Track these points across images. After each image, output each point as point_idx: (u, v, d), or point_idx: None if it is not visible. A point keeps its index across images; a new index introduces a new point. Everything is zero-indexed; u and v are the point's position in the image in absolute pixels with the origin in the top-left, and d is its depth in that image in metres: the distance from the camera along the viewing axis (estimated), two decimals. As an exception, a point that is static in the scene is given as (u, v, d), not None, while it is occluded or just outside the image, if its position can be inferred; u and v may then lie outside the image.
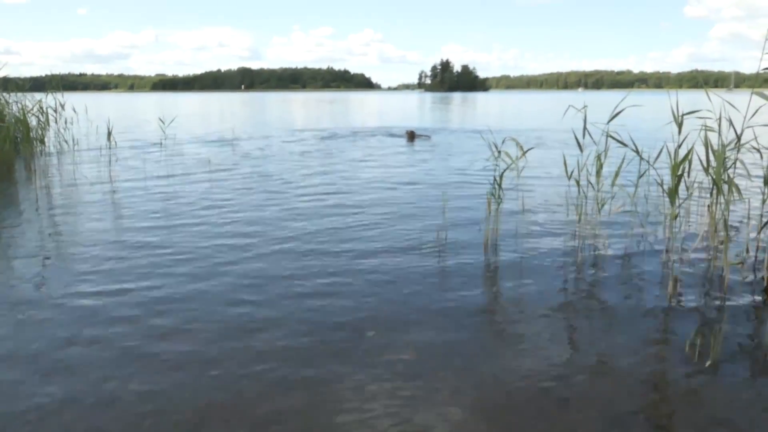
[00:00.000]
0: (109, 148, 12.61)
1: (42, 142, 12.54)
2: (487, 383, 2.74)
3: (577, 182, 5.02)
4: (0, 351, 3.05)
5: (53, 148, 12.53)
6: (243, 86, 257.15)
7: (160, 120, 13.28)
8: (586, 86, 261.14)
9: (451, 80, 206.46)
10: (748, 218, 5.19)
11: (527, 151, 5.21)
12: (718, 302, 3.74)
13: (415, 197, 7.10)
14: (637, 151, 4.48)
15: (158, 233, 5.36)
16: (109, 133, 12.91)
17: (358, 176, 8.87)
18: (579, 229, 5.22)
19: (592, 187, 4.97)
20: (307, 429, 2.40)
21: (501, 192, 5.13)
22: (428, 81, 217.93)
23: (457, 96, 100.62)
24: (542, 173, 8.67)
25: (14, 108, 11.75)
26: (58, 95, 12.69)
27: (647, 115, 22.40)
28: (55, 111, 12.67)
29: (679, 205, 4.33)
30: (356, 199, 6.95)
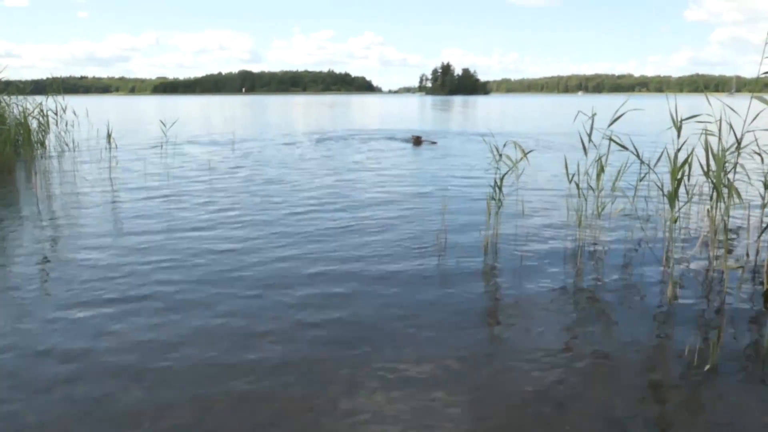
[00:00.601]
0: (110, 150, 12.62)
1: (43, 145, 12.56)
2: (486, 386, 2.74)
3: (577, 185, 5.02)
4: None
5: (54, 151, 12.54)
6: (244, 89, 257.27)
7: (161, 123, 13.28)
8: (586, 90, 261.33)
9: (452, 83, 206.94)
10: (748, 222, 5.18)
11: (528, 153, 5.20)
12: (717, 306, 3.74)
13: (417, 200, 7.09)
14: (637, 155, 4.48)
15: (158, 237, 5.35)
16: (110, 136, 12.93)
17: (361, 179, 8.87)
18: (579, 232, 5.22)
19: (593, 190, 4.97)
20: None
21: (501, 195, 5.13)
22: (429, 84, 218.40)
23: (458, 99, 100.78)
24: (543, 176, 8.66)
25: (15, 111, 11.77)
26: (59, 98, 12.71)
27: (647, 118, 22.38)
28: (56, 114, 12.69)
29: (679, 209, 4.33)
30: (358, 201, 6.95)
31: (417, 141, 14.52)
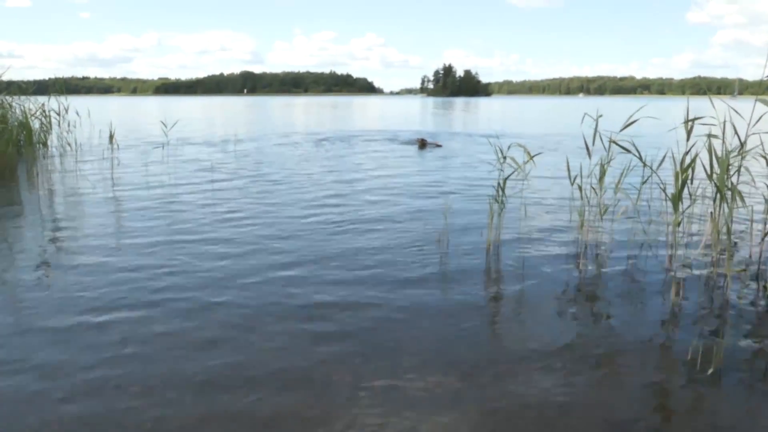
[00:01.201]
0: (112, 151, 12.63)
1: (45, 145, 12.58)
2: (488, 389, 2.72)
3: (580, 188, 5.01)
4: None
5: (56, 151, 12.56)
6: (245, 90, 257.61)
7: (163, 123, 13.29)
8: (587, 92, 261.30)
9: (454, 85, 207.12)
10: (752, 226, 5.16)
11: (534, 156, 5.18)
12: (720, 310, 3.73)
13: (420, 202, 7.09)
14: (640, 158, 4.47)
15: (158, 239, 5.35)
16: (111, 136, 12.95)
17: (364, 180, 8.86)
18: (581, 234, 5.20)
19: (595, 192, 4.95)
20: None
21: (504, 197, 5.12)
22: (431, 86, 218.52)
23: (459, 101, 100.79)
24: (546, 179, 8.64)
25: (17, 111, 11.78)
26: (61, 98, 12.72)
27: (650, 121, 22.37)
28: (58, 114, 12.70)
29: (683, 212, 4.32)
30: (359, 203, 6.94)
31: (422, 144, 14.53)
